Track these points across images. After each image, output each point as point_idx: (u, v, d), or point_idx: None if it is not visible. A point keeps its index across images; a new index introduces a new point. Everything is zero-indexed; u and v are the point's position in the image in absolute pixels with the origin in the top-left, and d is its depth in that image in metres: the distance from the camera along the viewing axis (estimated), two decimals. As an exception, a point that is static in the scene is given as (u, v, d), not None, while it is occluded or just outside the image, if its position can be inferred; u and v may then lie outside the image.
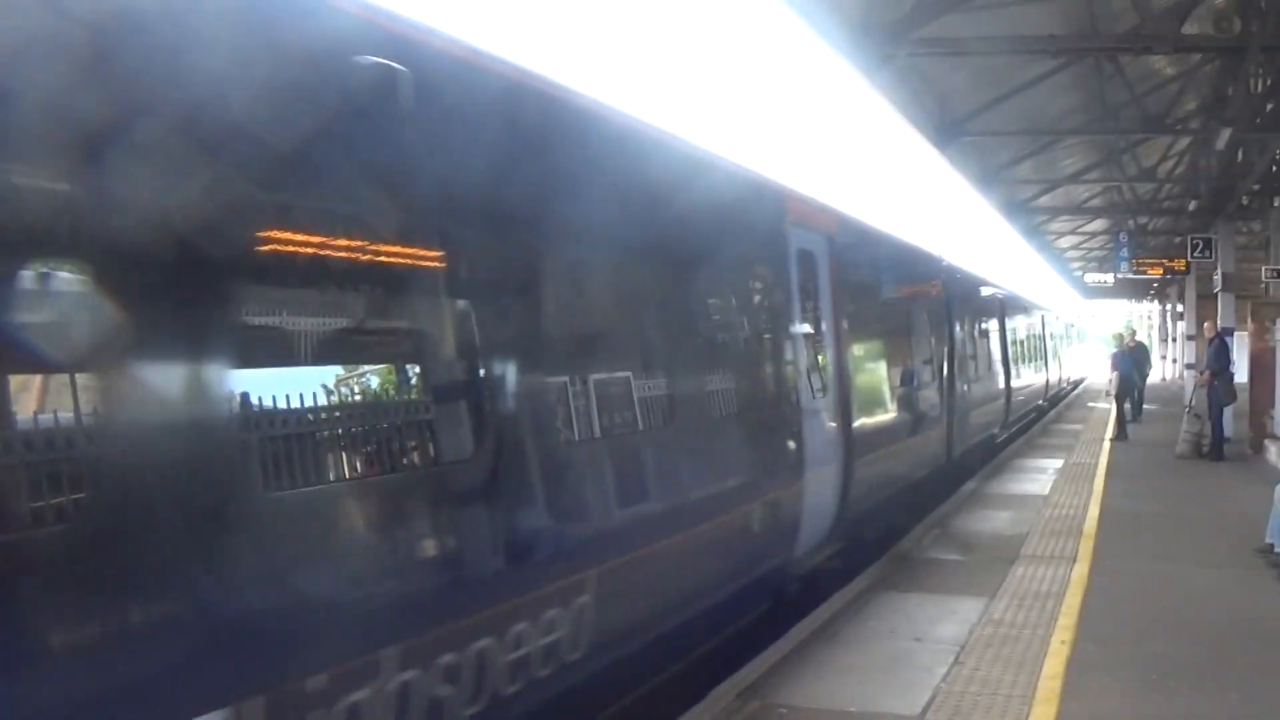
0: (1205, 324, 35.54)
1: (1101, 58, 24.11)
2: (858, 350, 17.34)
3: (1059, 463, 27.79)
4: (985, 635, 12.26)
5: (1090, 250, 66.39)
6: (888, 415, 19.14)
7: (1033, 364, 39.15)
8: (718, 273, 12.16)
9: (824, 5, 16.74)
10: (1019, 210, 42.63)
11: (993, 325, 31.64)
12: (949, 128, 26.51)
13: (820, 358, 14.96)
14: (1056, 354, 51.70)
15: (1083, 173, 40.23)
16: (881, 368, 19.41)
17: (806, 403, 13.83)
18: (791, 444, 13.40)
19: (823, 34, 17.47)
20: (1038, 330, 43.89)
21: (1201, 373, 28.56)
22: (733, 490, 11.74)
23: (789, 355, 13.78)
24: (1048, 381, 45.55)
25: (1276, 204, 32.38)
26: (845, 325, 15.94)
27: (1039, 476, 25.37)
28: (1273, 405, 27.80)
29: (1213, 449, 27.48)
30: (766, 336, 13.76)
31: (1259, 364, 29.07)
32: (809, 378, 14.06)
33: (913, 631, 12.53)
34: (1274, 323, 28.08)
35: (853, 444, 15.42)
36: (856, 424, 15.81)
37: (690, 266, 11.28)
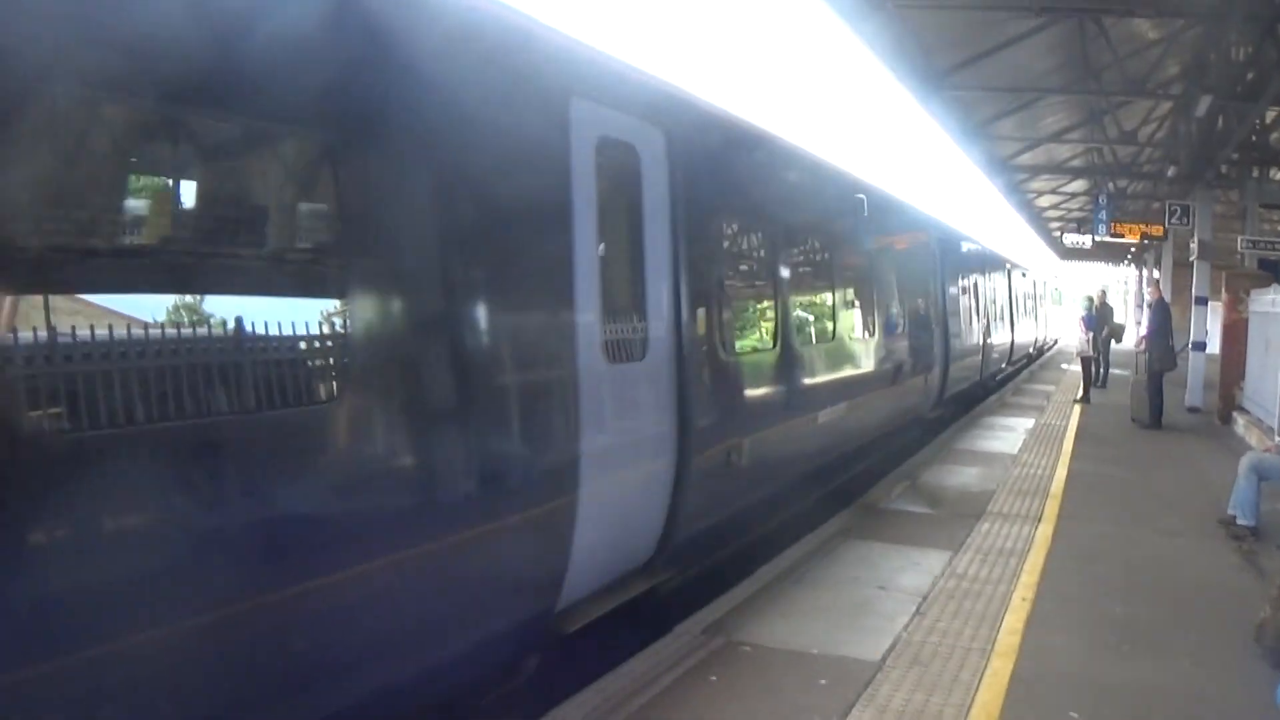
0: (1151, 287, 35.68)
1: (1085, 18, 24.03)
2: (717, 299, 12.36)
3: (1030, 422, 27.87)
4: (948, 588, 12.33)
5: (1070, 211, 66.44)
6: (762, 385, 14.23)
7: (1000, 323, 38.70)
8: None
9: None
10: (1000, 167, 42.62)
11: (953, 280, 29.53)
12: (933, 80, 26.50)
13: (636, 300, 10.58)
14: (1028, 313, 51.87)
15: (1064, 132, 40.22)
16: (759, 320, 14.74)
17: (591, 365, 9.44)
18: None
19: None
20: (1007, 287, 43.74)
21: (1140, 339, 28.48)
22: None
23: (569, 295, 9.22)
24: (1013, 343, 44.38)
25: (1254, 174, 32.34)
26: (692, 263, 11.32)
27: (1009, 435, 25.44)
28: (1243, 377, 27.88)
29: (1151, 416, 27.32)
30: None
31: (1231, 335, 29.10)
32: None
33: (877, 580, 12.59)
34: (1247, 294, 28.14)
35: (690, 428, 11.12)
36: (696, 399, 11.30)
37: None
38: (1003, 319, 41.01)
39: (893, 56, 23.49)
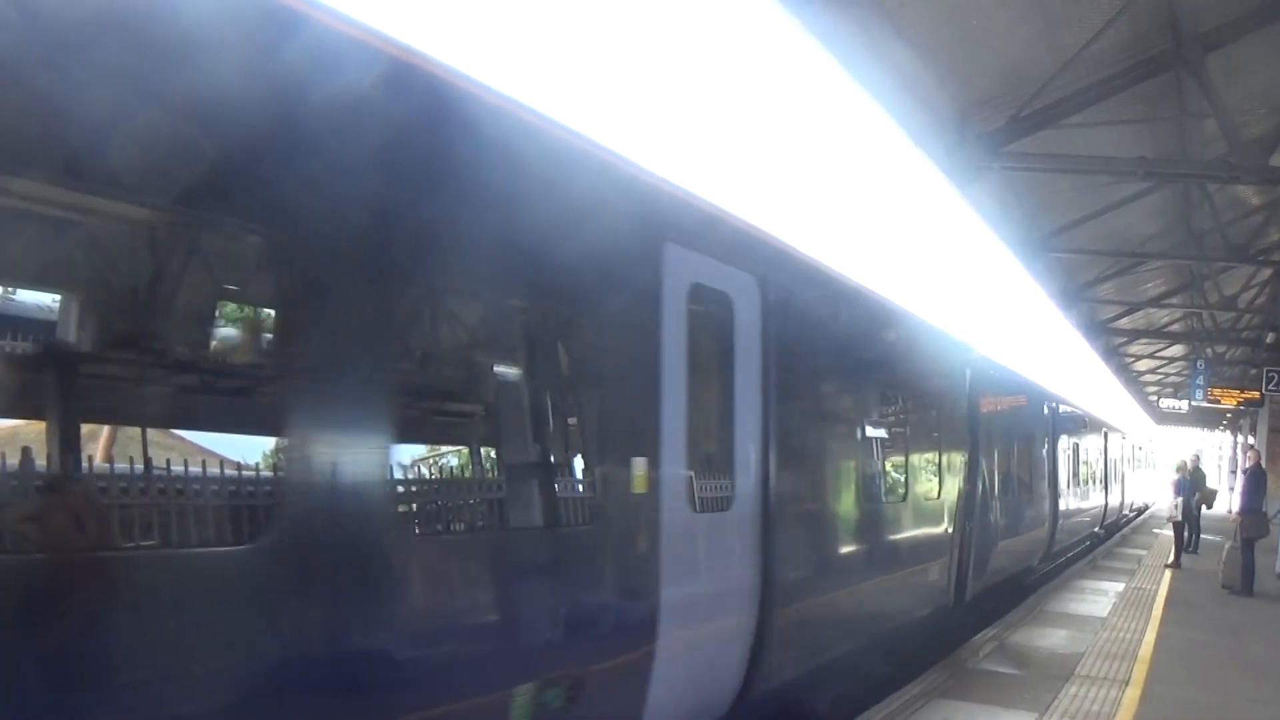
0: (1249, 452, 35.37)
1: (1190, 184, 24.18)
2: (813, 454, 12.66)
3: (1120, 586, 27.66)
4: (1035, 750, 12.32)
5: (1166, 376, 66.21)
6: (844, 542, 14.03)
7: (1087, 486, 38.70)
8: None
9: (923, 117, 16.97)
10: (1099, 330, 42.61)
11: (1045, 443, 29.39)
12: (1037, 242, 26.65)
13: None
14: (1119, 477, 51.63)
15: (1164, 297, 40.28)
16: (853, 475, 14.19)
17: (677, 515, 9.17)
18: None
19: (920, 145, 17.69)
20: (1100, 451, 44.03)
21: (1238, 514, 28.10)
22: None
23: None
24: (1106, 506, 44.55)
25: (1351, 341, 32.31)
26: (782, 416, 11.00)
27: (1099, 598, 25.27)
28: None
29: (1243, 583, 27.06)
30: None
31: (1320, 499, 28.97)
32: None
33: (962, 740, 12.59)
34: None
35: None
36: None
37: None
38: (1106, 481, 42.02)
39: (997, 218, 23.66)
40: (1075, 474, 33.72)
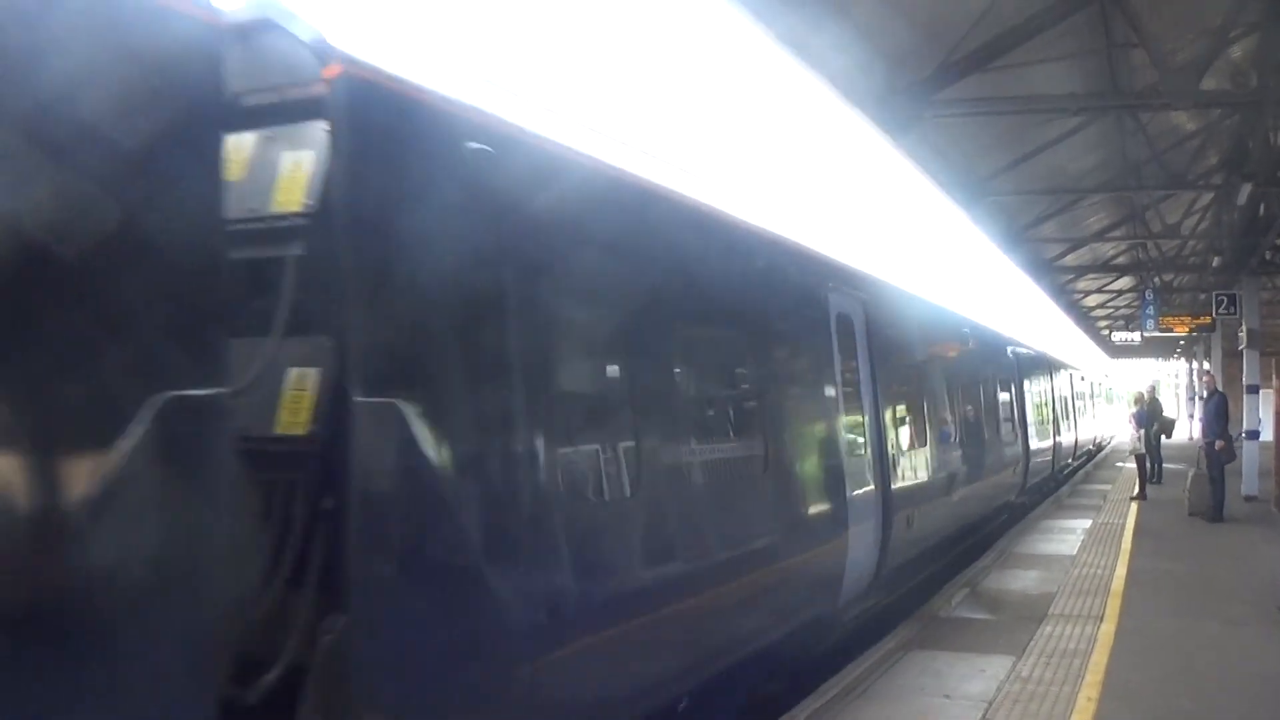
0: (1205, 378, 35.58)
1: (1122, 114, 24.19)
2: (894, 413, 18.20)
3: (1087, 523, 27.76)
4: (1013, 692, 12.33)
5: (1117, 309, 66.35)
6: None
7: (1054, 425, 40.40)
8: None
9: (851, 72, 16.89)
10: (1045, 269, 42.69)
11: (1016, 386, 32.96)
12: (974, 187, 26.64)
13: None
14: (1082, 413, 52.66)
15: (1107, 230, 40.35)
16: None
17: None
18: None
19: (851, 99, 17.65)
20: (1070, 390, 45.87)
21: (1210, 442, 28.15)
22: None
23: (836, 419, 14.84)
24: (1076, 441, 47.73)
25: (1299, 258, 32.38)
26: (880, 386, 16.74)
27: (1067, 536, 25.36)
28: (1300, 463, 27.80)
29: (1213, 509, 27.21)
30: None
31: (1285, 420, 29.10)
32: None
33: (942, 688, 12.60)
34: (1299, 379, 28.09)
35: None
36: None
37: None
38: (1067, 419, 44.83)
39: (935, 167, 23.63)
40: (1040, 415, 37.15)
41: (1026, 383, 32.98)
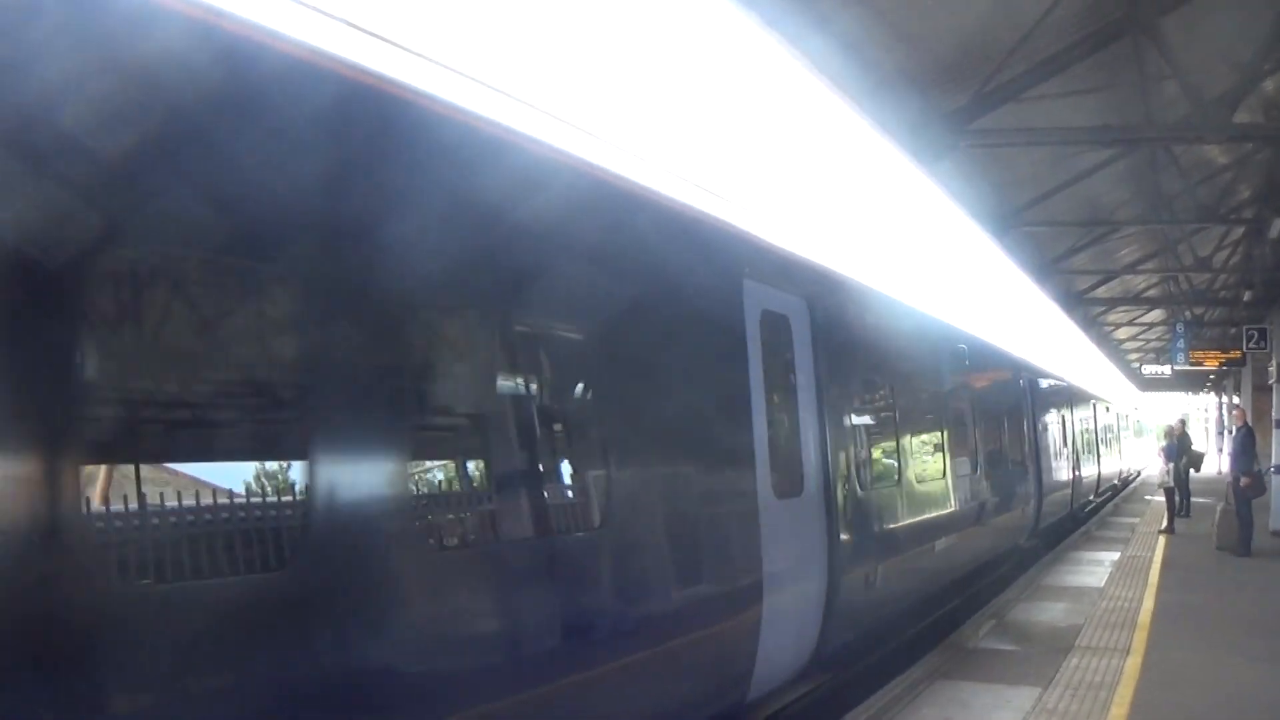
0: (1235, 411, 35.49)
1: (1155, 148, 24.16)
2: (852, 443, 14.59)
3: (1115, 555, 27.68)
4: (1039, 724, 12.29)
5: (1148, 342, 66.33)
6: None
7: (1074, 459, 39.76)
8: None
9: (885, 100, 16.93)
10: (1076, 301, 42.64)
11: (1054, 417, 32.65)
12: (1007, 217, 26.64)
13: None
14: (1112, 445, 52.31)
15: (1138, 263, 40.32)
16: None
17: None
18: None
19: (884, 128, 17.67)
20: (1092, 421, 44.91)
21: (1238, 477, 28.09)
22: None
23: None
24: (1100, 476, 45.82)
25: (1329, 293, 32.34)
26: (831, 409, 13.40)
27: (1096, 569, 25.28)
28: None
29: (1241, 543, 27.13)
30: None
31: (1310, 457, 29.12)
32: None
33: (968, 718, 12.55)
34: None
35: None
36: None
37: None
38: (1090, 452, 42.59)
39: (966, 196, 23.64)
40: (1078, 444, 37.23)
41: (1041, 412, 30.88)
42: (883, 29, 16.27)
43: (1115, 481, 55.90)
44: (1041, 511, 28.70)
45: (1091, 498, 43.80)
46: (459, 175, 7.39)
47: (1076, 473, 37.50)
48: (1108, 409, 52.35)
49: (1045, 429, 31.18)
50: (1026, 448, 27.68)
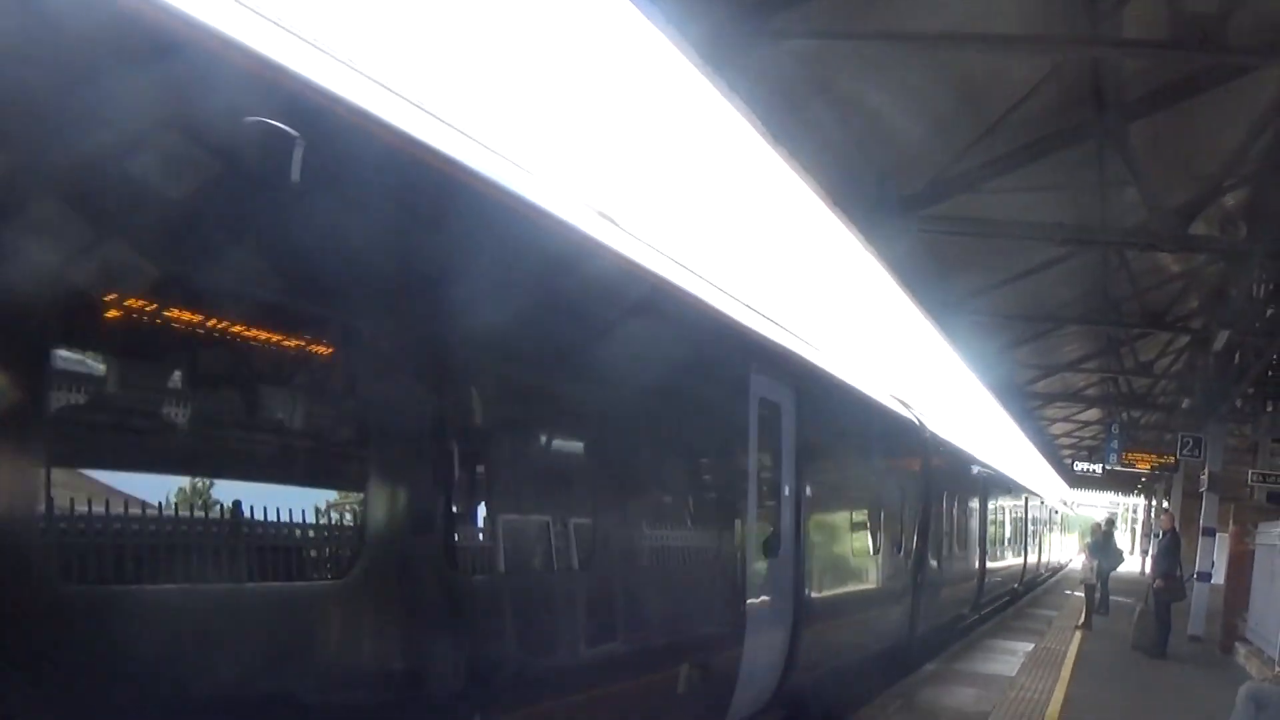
0: (1163, 516, 36.02)
1: (1108, 250, 24.38)
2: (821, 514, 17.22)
3: (1030, 646, 27.86)
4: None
5: (1082, 439, 66.61)
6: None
7: (1011, 546, 40.90)
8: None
9: (841, 178, 17.10)
10: (1015, 392, 42.87)
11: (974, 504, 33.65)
12: (952, 304, 26.78)
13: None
14: (1037, 538, 52.99)
15: (1080, 361, 40.53)
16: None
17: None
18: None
19: (841, 207, 17.83)
20: (1026, 516, 46.12)
21: (1156, 579, 28.77)
22: None
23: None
24: (1025, 565, 47.61)
25: (1268, 409, 32.59)
26: (807, 485, 15.65)
27: (1008, 658, 25.44)
28: (1246, 608, 27.97)
29: (1156, 645, 27.46)
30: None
31: (1236, 566, 29.48)
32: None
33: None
34: (1255, 527, 28.37)
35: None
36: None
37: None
38: (1030, 542, 47.45)
39: (914, 279, 23.80)
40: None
41: (986, 501, 33.79)
42: (851, 117, 16.48)
43: (1043, 572, 57.47)
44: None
45: (1017, 586, 45.71)
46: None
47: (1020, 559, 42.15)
48: (1041, 503, 53.31)
49: (987, 518, 34.98)
50: (976, 533, 31.59)
